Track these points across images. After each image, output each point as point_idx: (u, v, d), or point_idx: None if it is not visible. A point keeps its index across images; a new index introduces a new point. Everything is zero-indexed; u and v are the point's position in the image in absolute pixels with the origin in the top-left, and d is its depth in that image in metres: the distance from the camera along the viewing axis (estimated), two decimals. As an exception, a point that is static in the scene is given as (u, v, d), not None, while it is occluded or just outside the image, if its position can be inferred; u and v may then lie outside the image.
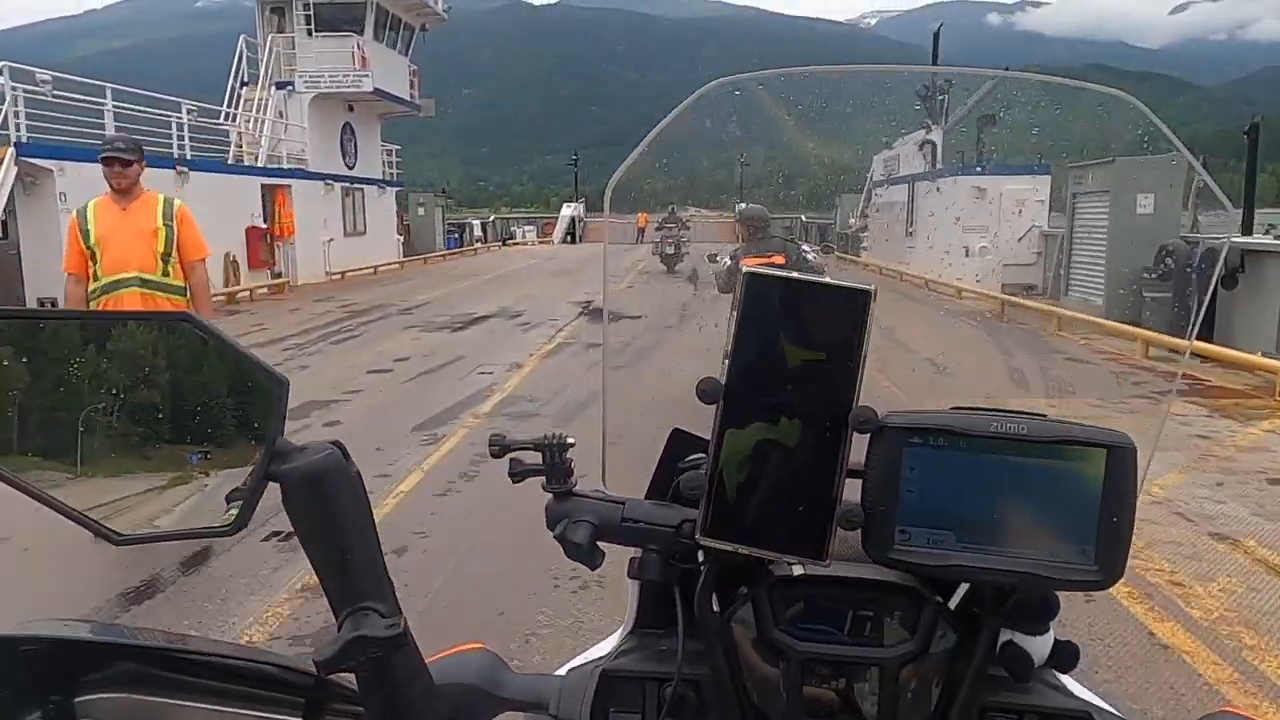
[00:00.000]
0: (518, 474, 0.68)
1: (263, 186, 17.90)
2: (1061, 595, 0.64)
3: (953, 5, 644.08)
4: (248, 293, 16.49)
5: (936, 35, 25.46)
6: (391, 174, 26.41)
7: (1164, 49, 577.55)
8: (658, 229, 19.00)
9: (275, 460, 0.55)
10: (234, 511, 0.57)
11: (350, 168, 22.35)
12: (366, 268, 21.99)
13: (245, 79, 20.03)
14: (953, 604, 0.67)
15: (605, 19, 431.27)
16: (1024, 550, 0.60)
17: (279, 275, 18.77)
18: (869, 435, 0.60)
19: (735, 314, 0.59)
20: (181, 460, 0.58)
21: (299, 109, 20.05)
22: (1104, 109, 0.81)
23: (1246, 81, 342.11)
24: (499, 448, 0.68)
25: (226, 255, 16.40)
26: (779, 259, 5.82)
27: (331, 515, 0.56)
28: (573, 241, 39.88)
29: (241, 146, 18.90)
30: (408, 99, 24.34)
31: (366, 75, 19.90)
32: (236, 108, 19.49)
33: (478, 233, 37.96)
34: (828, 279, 0.59)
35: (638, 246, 33.68)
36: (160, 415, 0.57)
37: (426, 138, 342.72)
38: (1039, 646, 0.66)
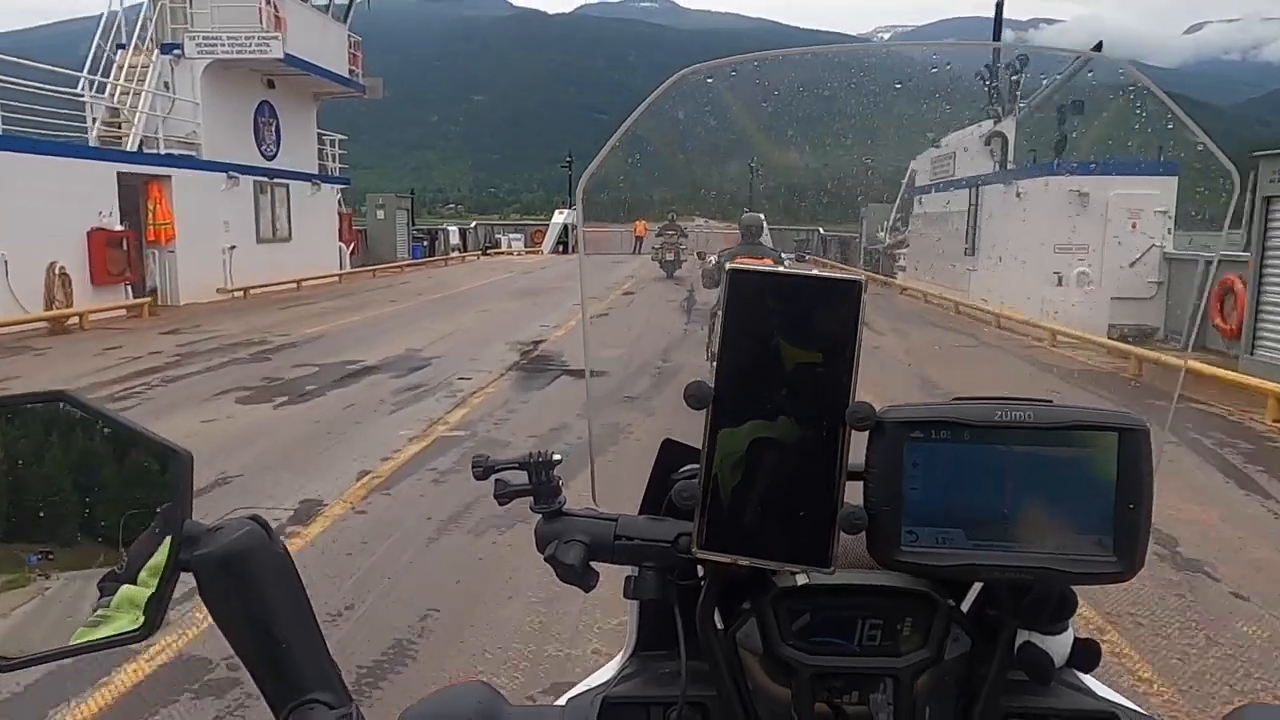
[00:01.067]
0: (503, 495, 0.65)
1: (123, 176, 13.55)
2: (1079, 590, 0.61)
3: (965, 21, 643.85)
4: (78, 318, 12.07)
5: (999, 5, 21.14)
6: (334, 168, 22.11)
7: (1179, 68, 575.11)
8: (658, 235, 19.02)
9: (186, 546, 0.51)
10: (143, 613, 0.50)
11: (269, 158, 18.07)
12: (288, 282, 17.72)
13: (123, 40, 15.71)
14: (966, 606, 0.65)
15: (618, 28, 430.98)
16: (1038, 544, 0.57)
17: (151, 292, 14.48)
18: (868, 433, 0.58)
19: (720, 313, 0.56)
20: (75, 561, 0.51)
21: (189, 79, 15.69)
22: (1094, 76, 0.94)
23: (1262, 102, 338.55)
24: (482, 469, 0.65)
25: (51, 267, 12.08)
26: (768, 261, 6.06)
27: (257, 601, 0.51)
28: (565, 251, 36.67)
29: (120, 126, 14.66)
30: (344, 75, 19.89)
31: (275, 38, 15.55)
32: (114, 77, 15.21)
33: (454, 240, 33.69)
34: (815, 271, 0.57)
35: (635, 256, 29.13)
36: (44, 514, 0.51)
37: (437, 144, 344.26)
38: (1059, 646, 0.63)
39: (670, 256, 18.28)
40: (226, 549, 0.51)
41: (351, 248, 23.52)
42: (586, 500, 0.68)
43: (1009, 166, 15.45)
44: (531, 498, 0.65)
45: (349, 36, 20.52)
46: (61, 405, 0.51)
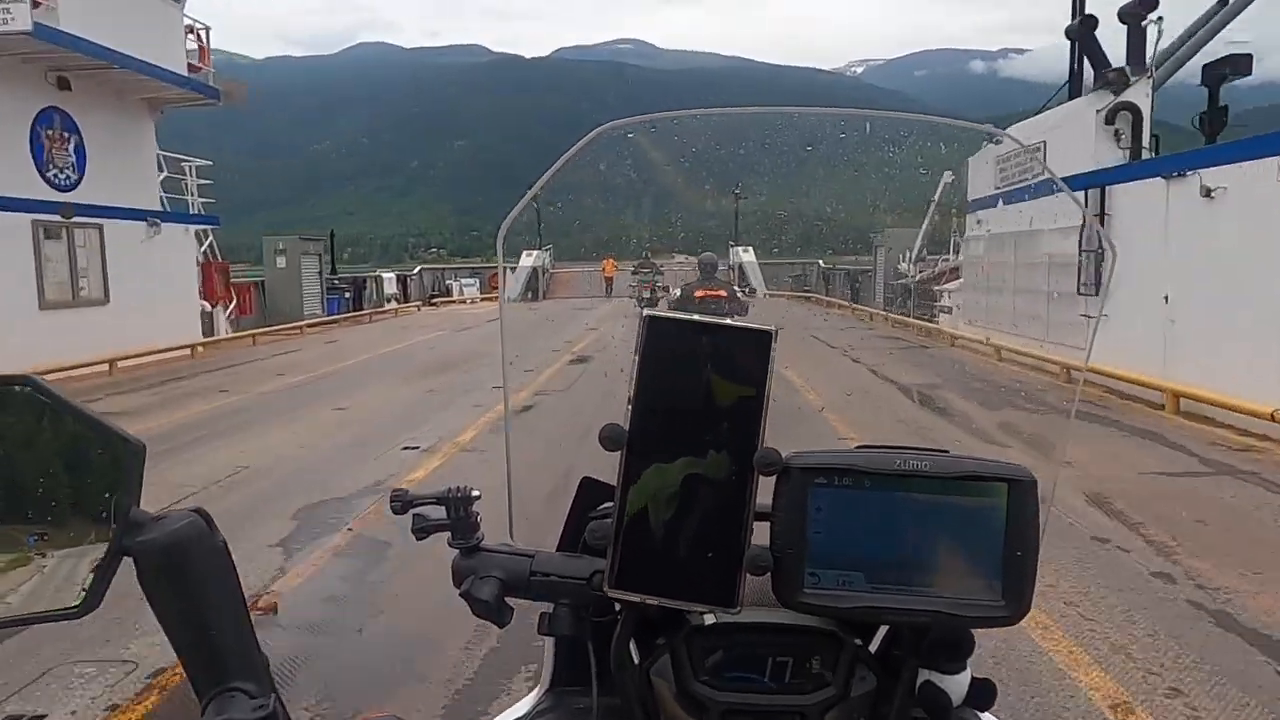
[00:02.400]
0: (421, 530, 0.66)
1: None
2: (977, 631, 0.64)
3: (937, 53, 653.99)
4: None
5: None
6: (195, 204, 16.81)
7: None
8: (633, 273, 18.85)
9: (129, 532, 0.52)
10: (84, 591, 0.52)
11: (63, 187, 12.77)
12: (95, 362, 12.34)
13: None
14: (874, 646, 0.67)
15: (597, 70, 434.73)
16: (933, 589, 0.60)
17: None
18: (775, 477, 0.60)
19: (636, 357, 0.58)
20: (20, 538, 0.53)
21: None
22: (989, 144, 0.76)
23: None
24: (400, 503, 0.66)
25: None
26: (723, 292, 7.56)
27: (192, 590, 0.52)
28: (534, 298, 31.97)
29: None
30: (178, 72, 14.44)
31: (20, 4, 10.30)
32: None
33: (390, 289, 28.07)
34: (729, 320, 0.59)
35: (607, 300, 26.60)
36: None
37: (417, 189, 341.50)
38: (957, 686, 0.65)
39: (647, 294, 17.69)
40: (168, 538, 0.52)
41: (231, 307, 18.17)
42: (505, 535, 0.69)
43: (1143, 157, 10.29)
44: (450, 533, 0.66)
45: (191, 24, 15.33)
46: (26, 389, 0.53)
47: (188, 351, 14.91)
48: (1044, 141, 11.25)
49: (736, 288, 9.70)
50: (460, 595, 0.65)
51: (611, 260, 29.35)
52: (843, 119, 0.88)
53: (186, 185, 16.69)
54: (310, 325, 20.28)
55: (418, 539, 0.67)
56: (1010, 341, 12.09)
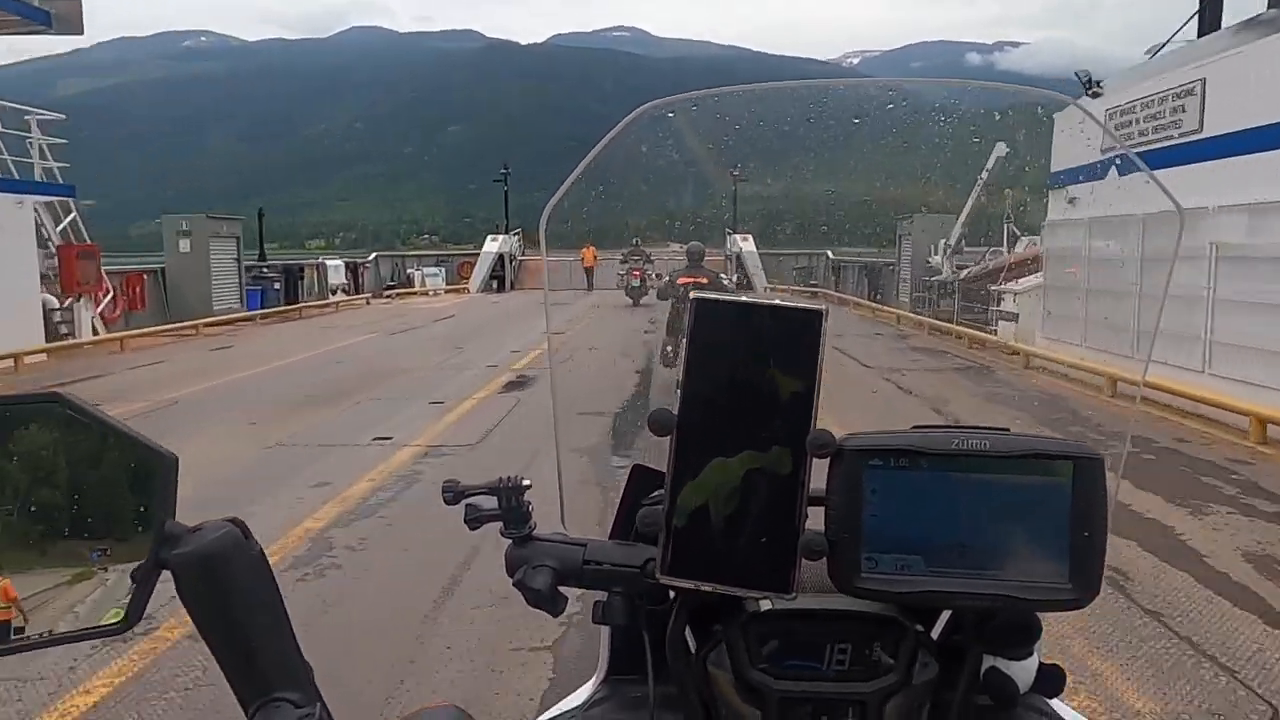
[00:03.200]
0: (474, 520, 0.66)
1: None
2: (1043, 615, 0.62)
3: (932, 45, 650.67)
4: None
5: None
6: (45, 169, 13.08)
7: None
8: (623, 262, 17.73)
9: (166, 545, 0.52)
10: (122, 607, 0.52)
11: None
12: None
13: None
14: (935, 632, 0.65)
15: (593, 58, 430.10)
16: (995, 572, 0.58)
17: None
18: (829, 460, 0.59)
19: (685, 340, 0.58)
20: (60, 556, 0.53)
21: None
22: (1043, 112, 0.75)
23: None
24: (452, 494, 0.65)
25: None
26: (704, 280, 7.57)
27: (232, 600, 0.52)
28: (501, 288, 28.20)
29: None
30: None
31: None
32: None
33: (336, 279, 23.89)
34: (778, 300, 0.58)
35: (587, 294, 24.41)
36: (33, 509, 0.53)
37: (415, 175, 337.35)
38: (1024, 672, 0.64)
39: (636, 283, 16.56)
40: (205, 549, 0.52)
41: (106, 302, 14.48)
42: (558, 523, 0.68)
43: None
44: (501, 523, 0.65)
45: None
46: (56, 406, 0.53)
47: (10, 363, 11.24)
48: (1202, 79, 7.63)
49: (725, 277, 9.80)
50: (514, 585, 0.64)
51: (591, 248, 24.32)
52: (890, 90, 0.84)
53: (35, 146, 12.96)
54: (214, 324, 16.48)
55: (470, 529, 0.66)
56: (1126, 369, 8.39)
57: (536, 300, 19.89)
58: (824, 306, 0.57)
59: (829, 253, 24.70)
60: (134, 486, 0.53)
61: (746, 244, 22.60)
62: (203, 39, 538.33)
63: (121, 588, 0.52)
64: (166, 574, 0.52)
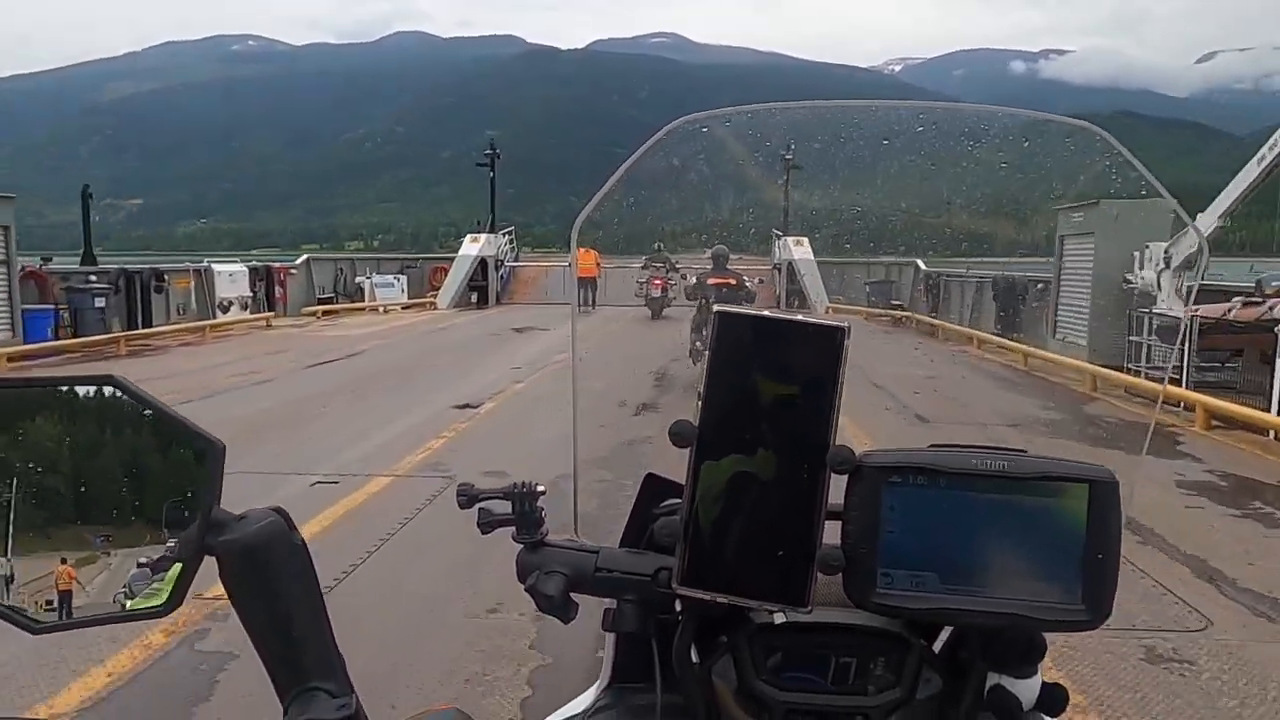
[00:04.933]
0: (486, 524, 0.66)
1: None
2: (1048, 635, 0.62)
3: (976, 53, 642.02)
4: None
5: None
6: None
7: (1191, 97, 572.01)
8: (643, 269, 15.10)
9: (211, 532, 0.53)
10: (167, 589, 0.53)
11: None
12: None
13: None
14: (937, 647, 0.66)
15: (630, 64, 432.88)
16: (1009, 591, 0.59)
17: None
18: (847, 476, 0.59)
19: (707, 353, 0.58)
20: (108, 536, 0.54)
21: None
22: (1072, 142, 0.76)
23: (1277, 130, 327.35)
24: (466, 497, 0.66)
25: None
26: (733, 280, 7.80)
27: (273, 589, 0.53)
28: (481, 303, 22.16)
29: None
30: None
31: None
32: None
33: (232, 290, 17.04)
34: (800, 316, 0.59)
35: (588, 314, 18.56)
36: (84, 488, 0.54)
37: (449, 178, 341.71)
38: (1027, 690, 0.64)
39: (657, 293, 14.74)
40: (249, 538, 0.52)
41: None
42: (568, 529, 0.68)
43: None
44: (514, 528, 0.66)
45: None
46: (110, 388, 0.54)
47: None
48: None
49: (751, 282, 8.85)
50: (526, 590, 0.64)
51: (593, 251, 18.49)
52: (921, 112, 0.82)
53: None
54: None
55: (483, 533, 0.67)
56: None
57: (517, 321, 16.54)
58: (846, 323, 0.57)
59: (920, 262, 17.88)
60: (182, 472, 0.54)
61: (801, 250, 18.17)
62: (250, 43, 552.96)
63: (166, 572, 0.53)
64: (209, 560, 0.52)
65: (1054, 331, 11.90)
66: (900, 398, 6.57)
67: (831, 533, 0.59)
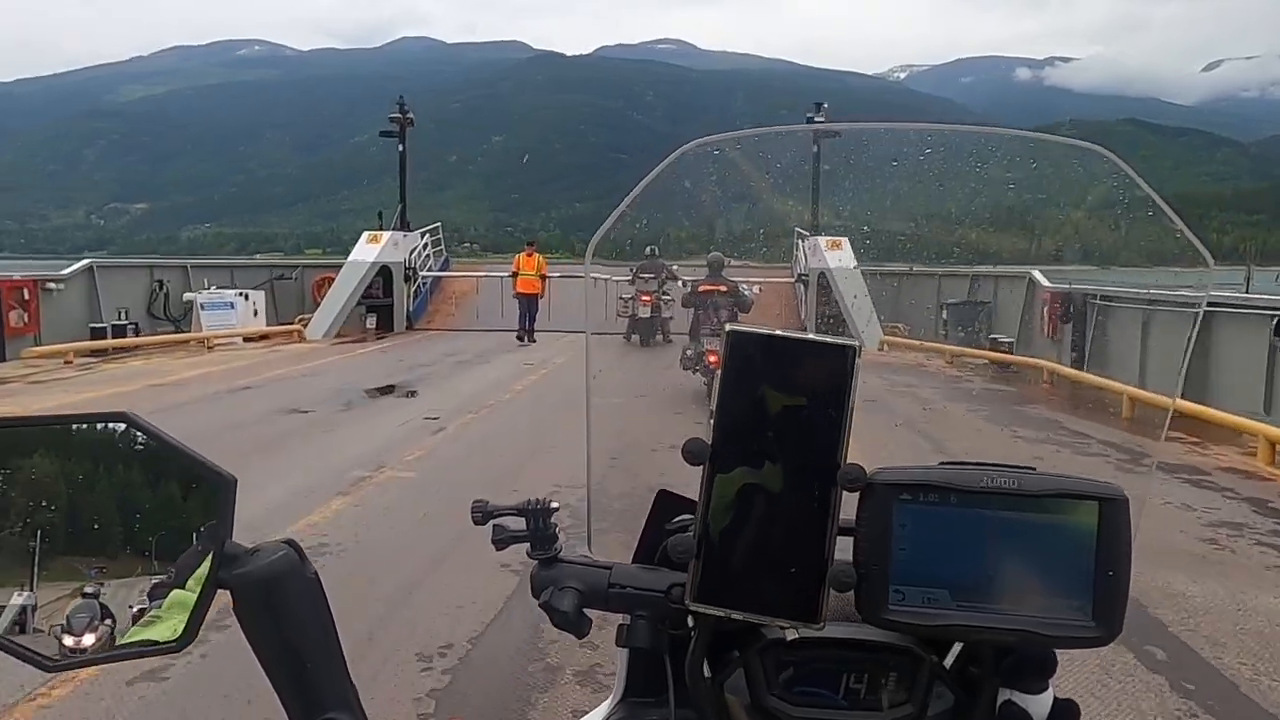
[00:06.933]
0: (501, 541, 0.67)
1: None
2: (1060, 652, 0.62)
3: (981, 60, 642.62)
4: None
5: None
6: None
7: (1198, 106, 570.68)
8: (631, 281, 11.27)
9: (224, 565, 0.53)
10: (181, 624, 0.53)
11: None
12: None
13: None
14: (948, 663, 0.65)
15: (637, 70, 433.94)
16: (1020, 608, 0.59)
17: None
18: (858, 493, 0.60)
19: (719, 372, 0.59)
20: (121, 571, 0.54)
21: None
22: (1079, 163, 0.76)
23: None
24: (481, 514, 0.67)
25: None
26: (724, 287, 6.90)
27: (287, 621, 0.54)
28: (381, 329, 16.56)
29: None
30: None
31: None
32: None
33: None
34: (811, 335, 0.59)
35: (518, 347, 14.53)
36: (97, 524, 0.54)
37: (454, 183, 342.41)
38: (1039, 706, 0.64)
39: (646, 312, 11.15)
40: (263, 571, 0.53)
41: None
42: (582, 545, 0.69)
43: None
44: (529, 544, 0.66)
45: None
46: (123, 425, 0.54)
47: None
48: None
49: (742, 286, 7.82)
50: (540, 606, 0.64)
51: (535, 255, 15.29)
52: (929, 134, 0.84)
53: None
54: None
55: (497, 549, 0.67)
56: None
57: (431, 359, 12.47)
58: (857, 342, 0.58)
59: (1037, 273, 11.59)
60: (195, 506, 0.54)
61: (838, 255, 12.56)
62: (257, 48, 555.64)
63: (180, 607, 0.53)
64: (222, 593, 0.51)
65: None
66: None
67: (843, 549, 0.60)
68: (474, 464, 6.30)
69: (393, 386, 10.13)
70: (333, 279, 16.75)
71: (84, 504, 0.54)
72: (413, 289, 17.43)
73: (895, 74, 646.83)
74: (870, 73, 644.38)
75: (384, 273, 16.62)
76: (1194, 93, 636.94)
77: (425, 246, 18.48)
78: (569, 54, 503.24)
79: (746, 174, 0.88)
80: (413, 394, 9.62)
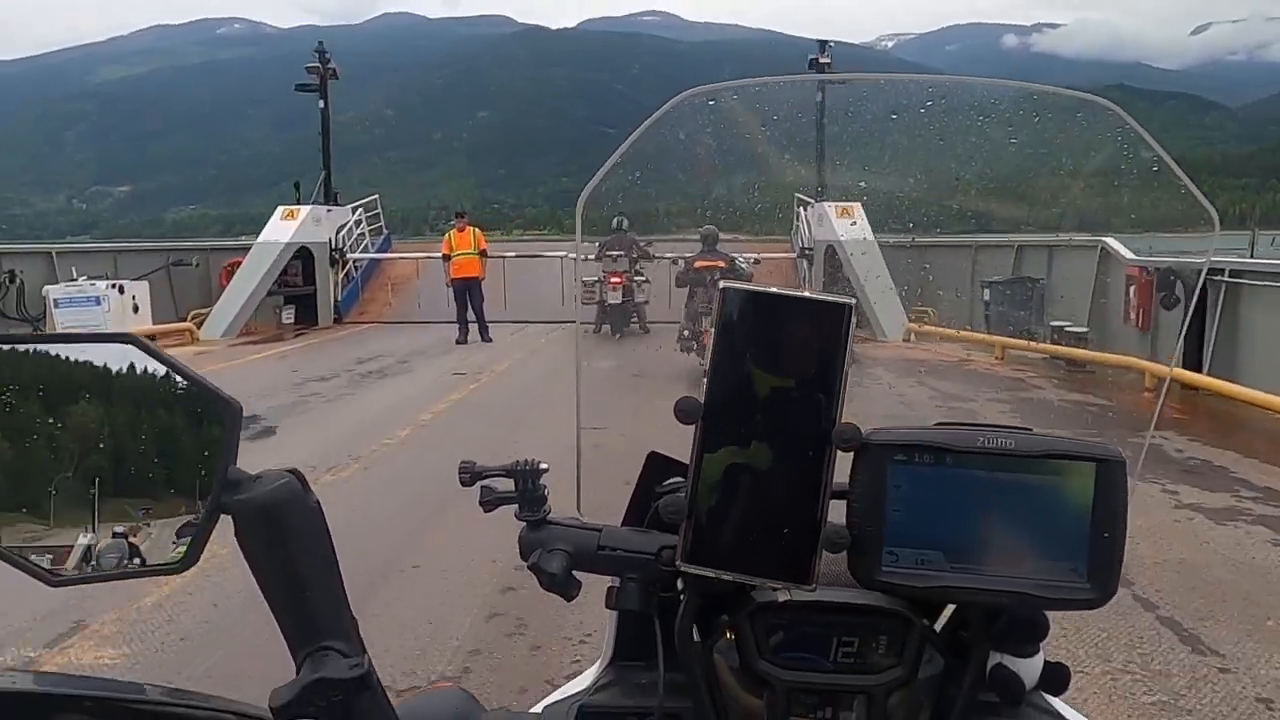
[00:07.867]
0: (489, 502, 0.66)
1: None
2: (1052, 615, 0.62)
3: (968, 28, 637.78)
4: None
5: None
6: None
7: (1185, 70, 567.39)
8: (598, 259, 9.76)
9: (227, 491, 0.53)
10: (183, 546, 0.54)
11: None
12: None
13: None
14: (939, 627, 0.65)
15: (622, 43, 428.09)
16: (1015, 570, 0.59)
17: None
18: (853, 454, 0.59)
19: (713, 330, 0.58)
20: (126, 493, 0.55)
21: None
22: (1084, 118, 0.75)
23: (1271, 102, 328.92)
24: (469, 475, 0.66)
25: None
26: (722, 263, 7.09)
27: (287, 549, 0.53)
28: (300, 325, 13.74)
29: None
30: None
31: None
32: None
33: None
34: (806, 293, 0.58)
35: (452, 349, 11.05)
36: (102, 446, 0.54)
37: (442, 160, 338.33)
38: (1030, 669, 0.64)
39: (618, 297, 9.69)
40: (265, 497, 0.53)
41: None
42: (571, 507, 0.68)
43: None
44: (516, 505, 0.65)
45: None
46: (129, 347, 0.54)
47: None
48: None
49: (739, 259, 7.47)
50: (528, 567, 0.63)
51: (469, 229, 12.05)
52: (930, 86, 0.80)
53: None
54: None
55: (485, 510, 0.66)
56: None
57: (345, 367, 9.51)
58: (851, 300, 0.57)
59: (1113, 241, 8.93)
60: (199, 431, 0.54)
61: (848, 225, 10.93)
62: (236, 26, 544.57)
63: (185, 529, 0.54)
64: (225, 518, 0.53)
65: None
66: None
67: (836, 511, 0.59)
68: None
69: (255, 417, 6.64)
70: (237, 264, 13.74)
71: (88, 426, 0.54)
72: (342, 274, 14.52)
73: (883, 43, 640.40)
74: (857, 41, 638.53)
75: (304, 255, 13.71)
76: (1182, 57, 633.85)
77: (359, 224, 15.37)
78: (553, 27, 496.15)
79: (744, 127, 0.84)
80: (271, 431, 6.42)
